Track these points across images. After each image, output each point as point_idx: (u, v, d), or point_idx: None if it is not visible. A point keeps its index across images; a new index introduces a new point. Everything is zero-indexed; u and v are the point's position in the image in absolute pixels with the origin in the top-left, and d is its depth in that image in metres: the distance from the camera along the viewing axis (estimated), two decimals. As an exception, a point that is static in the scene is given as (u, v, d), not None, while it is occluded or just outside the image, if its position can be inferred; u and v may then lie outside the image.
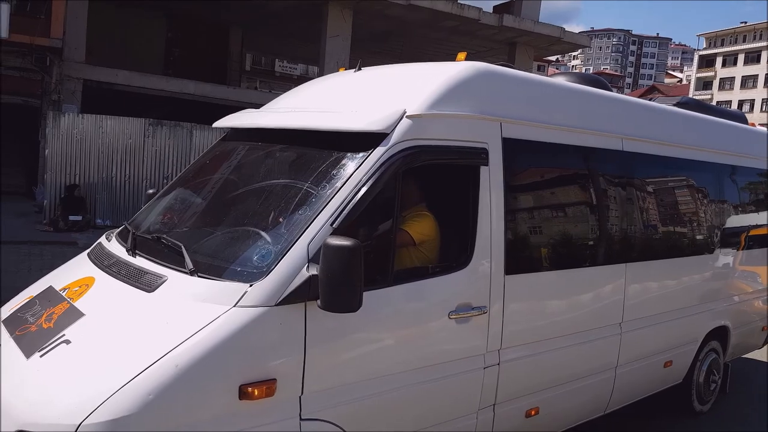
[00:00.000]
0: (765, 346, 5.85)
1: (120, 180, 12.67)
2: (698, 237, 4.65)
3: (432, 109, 2.82)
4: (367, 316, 2.50)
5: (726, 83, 66.86)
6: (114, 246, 3.06)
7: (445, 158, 2.92)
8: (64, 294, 2.79)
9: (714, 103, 48.66)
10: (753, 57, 63.74)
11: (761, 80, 61.96)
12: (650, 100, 5.17)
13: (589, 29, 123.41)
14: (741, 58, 65.49)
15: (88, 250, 3.27)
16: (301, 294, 2.34)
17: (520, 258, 3.24)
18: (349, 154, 2.69)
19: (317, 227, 2.44)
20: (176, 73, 17.70)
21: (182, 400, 2.16)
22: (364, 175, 2.57)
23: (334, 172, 2.64)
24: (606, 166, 3.86)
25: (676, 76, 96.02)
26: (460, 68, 3.07)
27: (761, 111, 58.47)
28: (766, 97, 60.71)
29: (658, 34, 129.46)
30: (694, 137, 4.59)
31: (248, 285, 2.34)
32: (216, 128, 3.64)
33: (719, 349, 5.05)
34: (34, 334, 2.54)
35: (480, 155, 2.99)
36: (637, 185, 4.05)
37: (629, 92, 70.10)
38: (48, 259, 8.55)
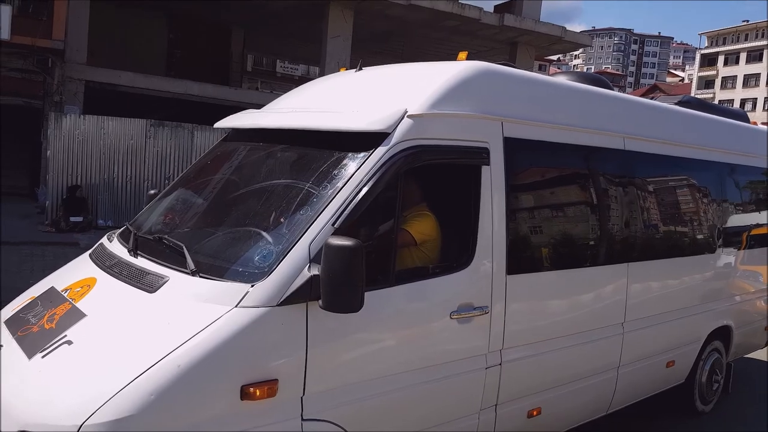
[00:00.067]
0: (767, 346, 5.83)
1: (121, 181, 12.69)
2: (700, 236, 4.64)
3: (433, 109, 2.81)
4: (368, 316, 2.49)
5: (728, 82, 66.74)
6: (116, 246, 3.06)
7: (446, 158, 2.92)
8: (65, 295, 2.80)
9: (716, 102, 48.56)
10: (755, 55, 63.60)
11: (763, 79, 61.81)
12: (652, 99, 5.17)
13: (591, 28, 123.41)
14: (743, 56, 65.36)
15: (89, 251, 3.28)
16: (303, 294, 2.34)
17: (522, 258, 3.23)
18: (350, 154, 2.69)
19: (319, 227, 2.44)
20: (178, 74, 17.71)
21: (184, 401, 2.16)
22: (365, 175, 2.57)
23: (336, 172, 2.64)
24: (607, 165, 3.85)
25: (678, 75, 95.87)
26: (461, 68, 3.06)
27: (763, 110, 58.33)
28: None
29: (659, 33, 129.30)
30: (696, 136, 4.58)
31: (250, 285, 2.34)
32: (217, 129, 3.64)
33: (722, 348, 5.04)
34: (36, 334, 2.55)
35: (481, 155, 2.99)
36: (638, 184, 4.04)
37: (631, 91, 69.99)
38: (50, 259, 8.56)
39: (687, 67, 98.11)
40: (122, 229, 3.30)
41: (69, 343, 2.37)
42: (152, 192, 3.67)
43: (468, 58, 3.23)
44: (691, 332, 4.58)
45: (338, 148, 2.74)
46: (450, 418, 2.94)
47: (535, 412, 3.35)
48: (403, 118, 2.71)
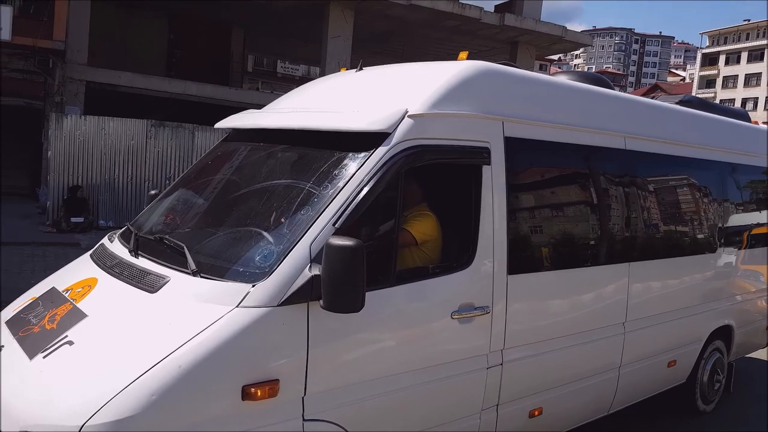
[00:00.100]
0: (769, 345, 5.83)
1: (122, 181, 12.70)
2: (702, 236, 4.64)
3: (434, 109, 2.81)
4: (369, 316, 2.49)
5: (729, 81, 66.66)
6: (116, 247, 3.06)
7: (447, 158, 2.92)
8: (67, 295, 2.80)
9: (717, 101, 48.51)
10: (756, 55, 63.52)
11: (764, 78, 61.72)
12: (653, 98, 5.16)
13: (592, 28, 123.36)
14: (744, 56, 65.28)
15: (90, 251, 3.28)
16: (304, 294, 2.34)
17: (523, 258, 3.23)
18: (351, 154, 2.68)
19: (319, 227, 2.44)
20: (178, 75, 17.72)
21: (185, 401, 2.16)
22: (366, 175, 2.57)
23: (336, 172, 2.64)
24: (608, 164, 3.85)
25: (679, 75, 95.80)
26: (461, 67, 3.06)
27: (764, 109, 58.26)
28: (769, 95, 60.55)
29: (660, 32, 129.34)
30: (697, 135, 4.57)
31: (251, 285, 2.34)
32: (218, 129, 3.64)
33: (723, 348, 5.03)
34: (37, 335, 2.55)
35: (482, 154, 2.98)
36: (639, 184, 4.04)
37: (632, 91, 69.98)
38: (51, 260, 8.57)
39: (688, 66, 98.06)
40: (123, 229, 3.30)
41: (70, 343, 2.37)
42: (153, 192, 3.67)
43: (469, 58, 3.22)
44: (692, 332, 4.58)
45: (339, 148, 2.74)
46: (451, 418, 2.94)
47: (536, 412, 3.35)
48: (403, 118, 2.71)
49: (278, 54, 29.70)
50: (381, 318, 2.61)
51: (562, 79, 4.09)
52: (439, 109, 2.83)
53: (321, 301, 2.31)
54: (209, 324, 2.25)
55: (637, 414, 4.48)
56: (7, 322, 2.84)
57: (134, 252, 2.84)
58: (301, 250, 2.39)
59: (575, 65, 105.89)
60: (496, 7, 18.93)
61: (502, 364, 3.08)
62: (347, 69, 3.93)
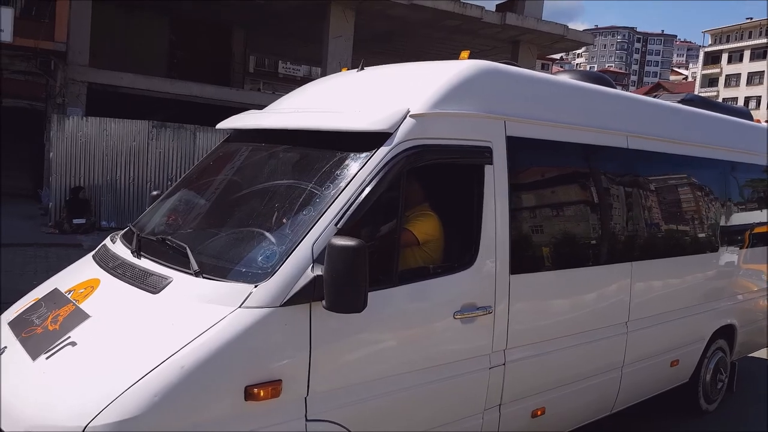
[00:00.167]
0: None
1: (124, 182, 12.71)
2: (704, 235, 4.63)
3: (435, 108, 2.81)
4: (372, 316, 2.49)
5: (732, 80, 66.51)
6: (119, 248, 3.07)
7: (448, 157, 2.91)
8: (69, 296, 2.80)
9: (720, 100, 48.39)
10: (759, 53, 63.35)
11: (767, 76, 61.55)
12: (655, 97, 5.15)
13: (593, 27, 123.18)
14: (747, 54, 65.13)
15: (93, 252, 3.28)
16: (306, 294, 2.34)
17: (525, 257, 3.22)
18: (352, 154, 2.68)
19: (322, 227, 2.44)
20: (180, 76, 17.72)
21: (188, 402, 2.16)
22: (367, 175, 2.57)
23: (338, 172, 2.64)
24: (611, 164, 3.84)
25: (681, 74, 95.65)
26: (463, 67, 3.06)
27: (767, 107, 58.10)
28: (772, 93, 60.36)
29: (663, 31, 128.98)
30: (699, 134, 4.56)
31: (253, 286, 2.34)
32: (219, 130, 3.64)
33: (726, 347, 5.02)
34: (40, 336, 2.55)
35: (484, 154, 2.98)
36: (642, 183, 4.03)
37: (634, 90, 69.80)
38: (53, 261, 8.58)
39: (690, 65, 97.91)
40: (125, 230, 3.31)
41: (73, 344, 2.37)
42: (155, 193, 3.68)
43: (470, 57, 3.22)
44: (695, 331, 4.57)
45: (341, 148, 2.74)
46: (454, 418, 2.94)
47: (539, 412, 3.34)
48: (405, 117, 2.70)
49: (279, 54, 29.70)
50: (383, 318, 2.61)
51: (564, 78, 4.08)
52: (440, 109, 2.83)
53: (323, 302, 2.31)
54: (212, 325, 2.25)
55: (639, 413, 4.47)
56: (10, 324, 2.84)
57: (136, 253, 2.84)
58: (303, 251, 2.39)
59: (577, 64, 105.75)
60: (497, 6, 18.90)
61: (504, 364, 3.08)
62: (348, 69, 3.92)
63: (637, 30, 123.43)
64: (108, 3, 15.76)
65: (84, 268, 3.10)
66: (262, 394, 2.26)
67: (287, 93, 4.02)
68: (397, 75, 3.38)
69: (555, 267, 3.46)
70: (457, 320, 2.85)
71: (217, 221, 3.11)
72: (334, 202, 2.51)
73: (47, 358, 2.35)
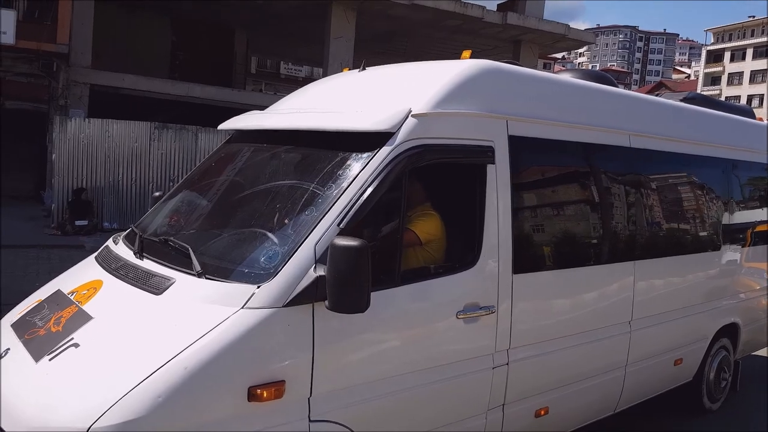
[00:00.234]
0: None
1: (126, 183, 12.74)
2: (707, 233, 4.62)
3: (437, 108, 2.81)
4: (374, 316, 2.49)
5: (734, 78, 66.36)
6: (121, 249, 3.07)
7: (451, 157, 2.91)
8: (72, 297, 2.80)
9: (723, 98, 48.26)
10: (761, 51, 63.18)
11: (770, 75, 61.44)
12: (657, 96, 5.13)
13: (595, 26, 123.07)
14: (749, 52, 64.98)
15: (95, 254, 3.28)
16: (309, 295, 2.34)
17: (528, 257, 3.22)
18: (354, 154, 2.68)
19: (324, 228, 2.44)
20: (181, 77, 17.75)
21: (191, 403, 2.16)
22: (370, 175, 2.57)
23: (340, 172, 2.64)
24: (613, 162, 3.83)
25: (683, 72, 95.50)
26: (464, 66, 3.06)
27: (770, 106, 57.96)
28: (774, 91, 60.20)
29: (665, 29, 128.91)
30: (702, 133, 4.56)
31: (256, 286, 2.34)
32: (221, 130, 3.65)
33: (729, 346, 5.01)
34: (43, 337, 2.55)
35: (486, 153, 2.98)
36: (644, 182, 4.02)
37: (636, 88, 69.66)
38: (56, 262, 8.60)
39: (693, 63, 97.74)
40: (128, 231, 3.31)
41: (76, 345, 2.37)
42: (157, 194, 3.68)
43: (472, 57, 3.21)
44: (698, 330, 4.55)
45: (343, 148, 2.74)
46: (457, 418, 2.93)
47: (542, 412, 3.34)
48: (407, 117, 2.70)
49: (281, 55, 29.73)
50: (386, 318, 2.61)
51: (566, 77, 4.07)
52: (442, 109, 2.82)
53: (326, 302, 2.31)
54: (215, 325, 2.25)
55: (643, 412, 4.46)
56: (13, 325, 2.84)
57: (139, 254, 2.84)
58: (305, 251, 2.39)
59: (579, 63, 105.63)
60: (498, 6, 18.89)
61: (507, 364, 3.07)
62: (350, 69, 3.92)
63: (639, 29, 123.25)
64: (109, 4, 15.79)
65: (86, 270, 3.10)
66: (265, 394, 2.26)
67: (289, 94, 4.02)
68: (399, 75, 3.38)
69: (558, 266, 3.45)
70: (459, 320, 2.84)
71: (220, 222, 3.11)
72: (336, 202, 2.51)
73: (50, 359, 2.35)
